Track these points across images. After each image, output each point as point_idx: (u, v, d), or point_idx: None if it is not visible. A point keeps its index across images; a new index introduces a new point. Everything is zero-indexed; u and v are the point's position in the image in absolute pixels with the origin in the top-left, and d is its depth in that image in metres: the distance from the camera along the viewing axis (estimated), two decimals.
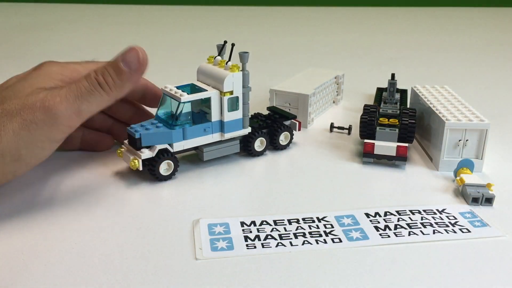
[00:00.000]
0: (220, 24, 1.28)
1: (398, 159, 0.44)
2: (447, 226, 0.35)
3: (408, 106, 0.53)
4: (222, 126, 0.43)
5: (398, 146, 0.43)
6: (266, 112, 0.50)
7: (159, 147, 0.40)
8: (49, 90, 0.36)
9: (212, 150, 0.43)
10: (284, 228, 0.34)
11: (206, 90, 0.42)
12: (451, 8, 1.54)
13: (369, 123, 0.45)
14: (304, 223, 0.35)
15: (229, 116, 0.42)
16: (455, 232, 0.34)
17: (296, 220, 0.35)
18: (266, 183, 0.41)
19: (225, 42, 0.44)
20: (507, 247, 0.33)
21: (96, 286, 0.28)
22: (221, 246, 0.32)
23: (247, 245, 0.32)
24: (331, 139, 0.51)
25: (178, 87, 0.42)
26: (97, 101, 0.36)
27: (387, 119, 0.46)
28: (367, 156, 0.44)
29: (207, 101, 0.42)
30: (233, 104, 0.43)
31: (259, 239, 0.33)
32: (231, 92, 0.42)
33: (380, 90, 0.61)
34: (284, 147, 0.48)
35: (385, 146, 0.43)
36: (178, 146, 0.41)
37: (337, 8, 1.53)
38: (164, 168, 0.40)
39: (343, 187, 0.41)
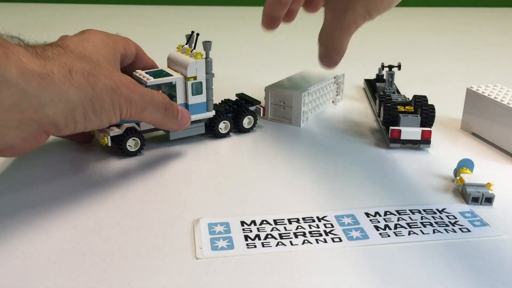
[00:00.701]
0: (220, 24, 1.28)
1: (423, 143, 0.47)
2: (447, 225, 0.35)
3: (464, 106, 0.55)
4: (187, 108, 0.46)
5: (423, 130, 0.47)
6: (235, 98, 0.55)
7: (127, 125, 0.44)
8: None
9: (178, 131, 0.46)
10: (284, 228, 0.34)
11: (173, 75, 0.46)
12: (448, 8, 1.55)
13: (393, 110, 0.49)
14: (304, 222, 0.35)
15: (193, 100, 0.47)
16: (455, 231, 0.34)
17: (296, 220, 0.35)
18: (266, 183, 0.41)
19: (192, 32, 0.49)
20: (507, 247, 0.33)
21: (96, 286, 0.28)
22: (221, 245, 0.32)
23: (247, 245, 0.32)
24: (327, 139, 0.51)
25: (147, 72, 0.46)
26: (151, 117, 0.40)
27: (403, 107, 0.50)
28: (394, 141, 0.48)
29: (174, 86, 0.46)
30: (198, 89, 0.47)
31: (259, 239, 0.33)
32: (195, 78, 0.46)
33: (369, 82, 0.65)
34: (247, 130, 0.51)
35: (411, 131, 0.47)
36: (145, 125, 0.46)
37: None
38: (131, 144, 0.45)
39: (343, 187, 0.41)
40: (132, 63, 0.48)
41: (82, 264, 0.30)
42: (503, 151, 0.48)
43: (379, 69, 0.64)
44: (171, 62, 0.49)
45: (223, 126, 0.50)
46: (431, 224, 0.35)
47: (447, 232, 0.34)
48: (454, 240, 0.33)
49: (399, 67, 0.60)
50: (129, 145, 0.45)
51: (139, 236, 0.33)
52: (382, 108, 0.51)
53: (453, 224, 0.35)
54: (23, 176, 0.40)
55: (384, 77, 0.61)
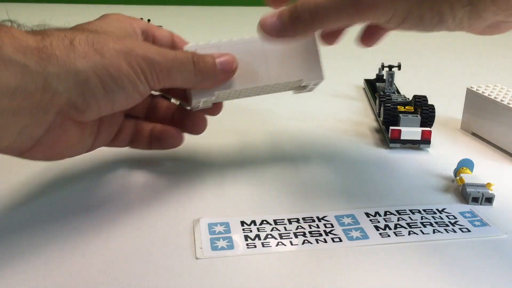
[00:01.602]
0: (219, 24, 1.28)
1: (423, 143, 0.47)
2: (447, 225, 0.35)
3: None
4: None
5: (423, 130, 0.47)
6: None
7: None
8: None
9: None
10: (284, 228, 0.34)
11: None
12: None
13: (393, 110, 0.49)
14: (304, 222, 0.35)
15: None
16: (455, 231, 0.34)
17: (296, 220, 0.35)
18: (266, 182, 0.41)
19: (141, 19, 0.50)
20: (507, 247, 0.33)
21: (96, 286, 0.28)
22: (221, 245, 0.32)
23: (247, 244, 0.32)
24: (327, 139, 0.51)
25: None
26: (182, 77, 0.35)
27: (403, 107, 0.50)
28: (394, 141, 0.47)
29: None
30: None
31: (259, 239, 0.33)
32: None
33: (369, 82, 0.65)
34: None
35: (411, 131, 0.47)
36: None
37: None
38: None
39: (343, 187, 0.41)
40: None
41: (82, 264, 0.30)
42: (503, 151, 0.48)
43: (379, 69, 0.64)
44: None
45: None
46: (431, 224, 0.35)
47: (447, 232, 0.34)
48: (454, 240, 0.33)
49: (399, 67, 0.60)
50: None
51: (139, 236, 0.33)
52: (382, 108, 0.51)
53: (453, 224, 0.35)
54: (22, 176, 0.40)
55: (384, 77, 0.61)
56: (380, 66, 0.64)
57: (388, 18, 0.30)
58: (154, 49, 0.34)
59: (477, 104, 0.52)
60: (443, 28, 0.30)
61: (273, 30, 0.33)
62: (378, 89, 0.61)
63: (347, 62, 0.74)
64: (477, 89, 0.52)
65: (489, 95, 0.50)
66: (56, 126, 0.31)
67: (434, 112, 0.48)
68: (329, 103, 0.62)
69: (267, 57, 0.39)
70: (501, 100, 0.48)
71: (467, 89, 0.53)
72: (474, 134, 0.52)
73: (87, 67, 0.30)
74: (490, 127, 0.50)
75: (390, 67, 0.60)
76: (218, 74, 0.36)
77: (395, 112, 0.49)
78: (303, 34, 0.33)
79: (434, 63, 0.87)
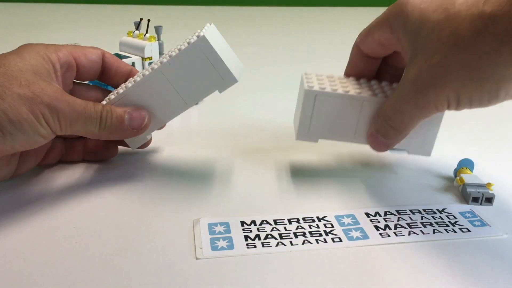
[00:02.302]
0: (219, 24, 1.28)
1: None
2: (447, 225, 0.35)
3: None
4: None
5: None
6: None
7: None
8: (55, 87, 0.34)
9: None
10: (284, 228, 0.34)
11: (131, 57, 0.52)
12: None
13: None
14: (304, 222, 0.35)
15: None
16: (455, 231, 0.34)
17: (296, 220, 0.35)
18: (267, 182, 0.41)
19: (141, 19, 0.55)
20: (507, 247, 0.33)
21: (96, 286, 0.28)
22: (221, 245, 0.32)
23: (247, 245, 0.32)
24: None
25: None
26: (85, 130, 0.36)
27: None
28: None
29: (133, 65, 0.51)
30: None
31: (259, 239, 0.33)
32: (151, 58, 0.53)
33: None
34: None
35: None
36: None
37: (343, 8, 1.53)
38: None
39: (343, 187, 0.41)
40: (103, 73, 0.42)
41: (82, 264, 0.30)
42: (503, 150, 0.48)
43: None
44: (124, 46, 0.54)
45: None
46: (431, 224, 0.35)
47: (447, 232, 0.34)
48: (454, 240, 0.33)
49: None
50: None
51: (139, 236, 0.33)
52: None
53: (453, 224, 0.35)
54: (22, 176, 0.40)
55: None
56: None
57: (446, 106, 0.33)
58: (64, 98, 0.34)
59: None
60: (499, 101, 0.32)
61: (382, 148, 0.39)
62: None
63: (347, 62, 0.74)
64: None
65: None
66: None
67: None
68: None
69: (173, 83, 0.39)
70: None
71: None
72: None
73: None
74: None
75: None
76: (127, 131, 0.38)
77: None
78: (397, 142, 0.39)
79: None
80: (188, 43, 0.37)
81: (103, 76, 0.43)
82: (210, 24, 0.39)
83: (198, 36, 0.37)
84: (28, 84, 0.33)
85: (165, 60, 0.38)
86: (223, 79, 0.38)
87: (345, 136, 0.40)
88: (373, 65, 0.42)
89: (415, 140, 0.39)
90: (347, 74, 0.42)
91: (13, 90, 0.32)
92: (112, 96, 0.40)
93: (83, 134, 0.37)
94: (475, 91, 0.31)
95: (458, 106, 0.33)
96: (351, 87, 0.39)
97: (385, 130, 0.37)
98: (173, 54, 0.38)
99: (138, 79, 0.39)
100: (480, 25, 0.30)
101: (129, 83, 0.39)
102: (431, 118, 0.36)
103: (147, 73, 0.39)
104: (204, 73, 0.38)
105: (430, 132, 0.39)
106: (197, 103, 0.44)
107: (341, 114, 0.39)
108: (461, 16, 0.31)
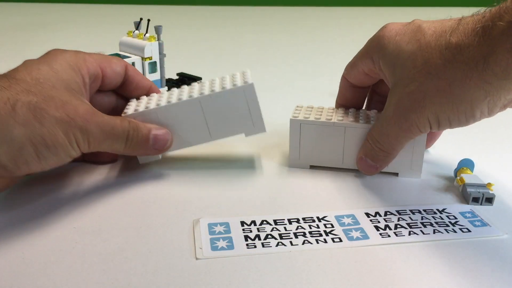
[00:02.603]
0: (219, 24, 1.28)
1: None
2: (447, 225, 0.35)
3: None
4: None
5: None
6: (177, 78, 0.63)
7: None
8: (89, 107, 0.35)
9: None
10: (284, 228, 0.34)
11: (131, 57, 0.52)
12: (450, 8, 1.54)
13: None
14: (304, 222, 0.35)
15: (150, 77, 0.54)
16: (455, 231, 0.34)
17: (296, 220, 0.35)
18: (267, 183, 0.41)
19: (141, 19, 0.55)
20: (507, 247, 0.33)
21: (96, 286, 0.28)
22: (221, 245, 0.32)
23: (247, 245, 0.32)
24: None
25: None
26: (112, 148, 0.37)
27: None
28: None
29: (133, 65, 0.50)
30: (153, 68, 0.54)
31: (259, 239, 0.33)
32: (150, 58, 0.53)
33: None
34: None
35: None
36: None
37: (341, 8, 1.53)
38: None
39: (343, 187, 0.41)
40: (123, 85, 0.43)
41: (82, 264, 0.30)
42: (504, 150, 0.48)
43: None
44: (124, 46, 0.54)
45: None
46: (431, 224, 0.35)
47: (448, 232, 0.34)
48: (455, 240, 0.33)
49: None
50: None
51: (139, 236, 0.33)
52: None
53: (453, 224, 0.35)
54: (22, 176, 0.40)
55: None
56: None
57: (429, 127, 0.36)
58: (94, 120, 0.35)
59: None
60: (477, 120, 0.35)
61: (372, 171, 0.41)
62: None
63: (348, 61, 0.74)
64: None
65: None
66: None
67: None
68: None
69: (206, 115, 0.40)
70: None
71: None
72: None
73: (24, 136, 0.31)
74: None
75: None
76: (149, 150, 0.40)
77: None
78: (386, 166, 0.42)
79: None
80: (234, 84, 0.39)
81: (123, 88, 0.43)
82: (249, 71, 0.41)
83: (245, 82, 0.39)
84: (63, 105, 0.33)
85: (205, 90, 0.39)
86: (254, 125, 0.41)
87: (335, 161, 0.43)
88: (361, 94, 0.45)
89: (403, 162, 0.41)
90: (338, 104, 0.46)
91: (51, 113, 0.32)
92: (139, 108, 0.40)
93: (108, 151, 0.37)
94: (452, 112, 0.35)
95: (439, 126, 0.36)
96: (335, 116, 0.42)
97: (374, 153, 0.40)
98: (216, 88, 0.39)
99: (173, 100, 0.40)
100: (448, 54, 0.34)
101: (160, 100, 0.40)
102: (416, 140, 0.39)
103: (183, 97, 0.40)
104: (238, 116, 0.40)
105: (416, 153, 0.41)
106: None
107: (327, 141, 0.42)
108: (431, 47, 0.35)
